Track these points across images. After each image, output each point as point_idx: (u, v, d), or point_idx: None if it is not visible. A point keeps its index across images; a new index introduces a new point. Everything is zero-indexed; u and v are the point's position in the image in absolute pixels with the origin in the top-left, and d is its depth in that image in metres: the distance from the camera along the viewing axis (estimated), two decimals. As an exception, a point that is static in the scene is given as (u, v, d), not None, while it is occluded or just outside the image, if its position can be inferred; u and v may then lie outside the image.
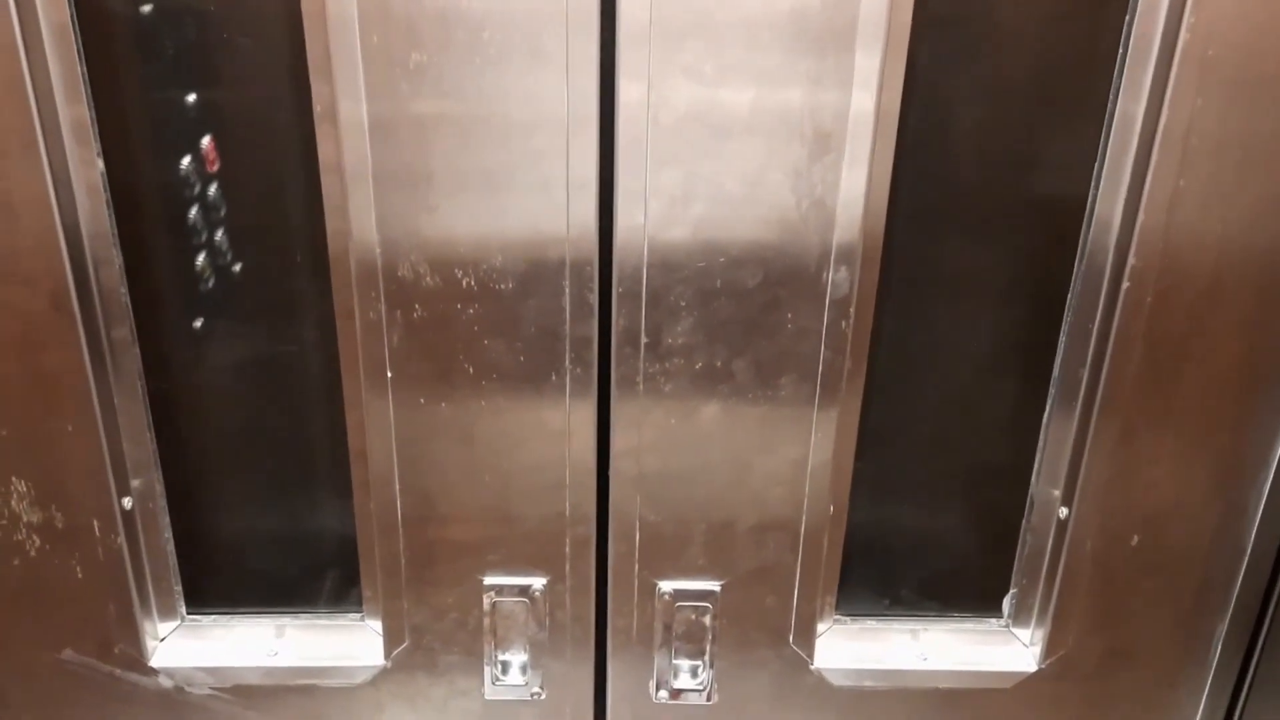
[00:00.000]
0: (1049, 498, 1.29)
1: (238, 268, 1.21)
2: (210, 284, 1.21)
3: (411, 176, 1.09)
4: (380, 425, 1.21)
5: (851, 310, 1.15)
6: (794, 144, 1.07)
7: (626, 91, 1.05)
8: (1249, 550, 1.29)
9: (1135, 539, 1.28)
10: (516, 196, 1.10)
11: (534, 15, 1.02)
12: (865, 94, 1.06)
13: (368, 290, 1.13)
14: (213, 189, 1.16)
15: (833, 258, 1.12)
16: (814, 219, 1.11)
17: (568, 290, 1.14)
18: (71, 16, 1.05)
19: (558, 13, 1.02)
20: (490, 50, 1.03)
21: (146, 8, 1.08)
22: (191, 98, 1.12)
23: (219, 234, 1.19)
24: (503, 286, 1.14)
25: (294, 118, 1.11)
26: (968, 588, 1.38)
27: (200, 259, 1.19)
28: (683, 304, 1.15)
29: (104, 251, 1.15)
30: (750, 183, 1.09)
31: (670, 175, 1.09)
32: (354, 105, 1.05)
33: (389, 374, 1.18)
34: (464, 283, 1.14)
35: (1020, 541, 1.33)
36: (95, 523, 1.23)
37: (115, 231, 1.15)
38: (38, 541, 1.24)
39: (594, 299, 1.15)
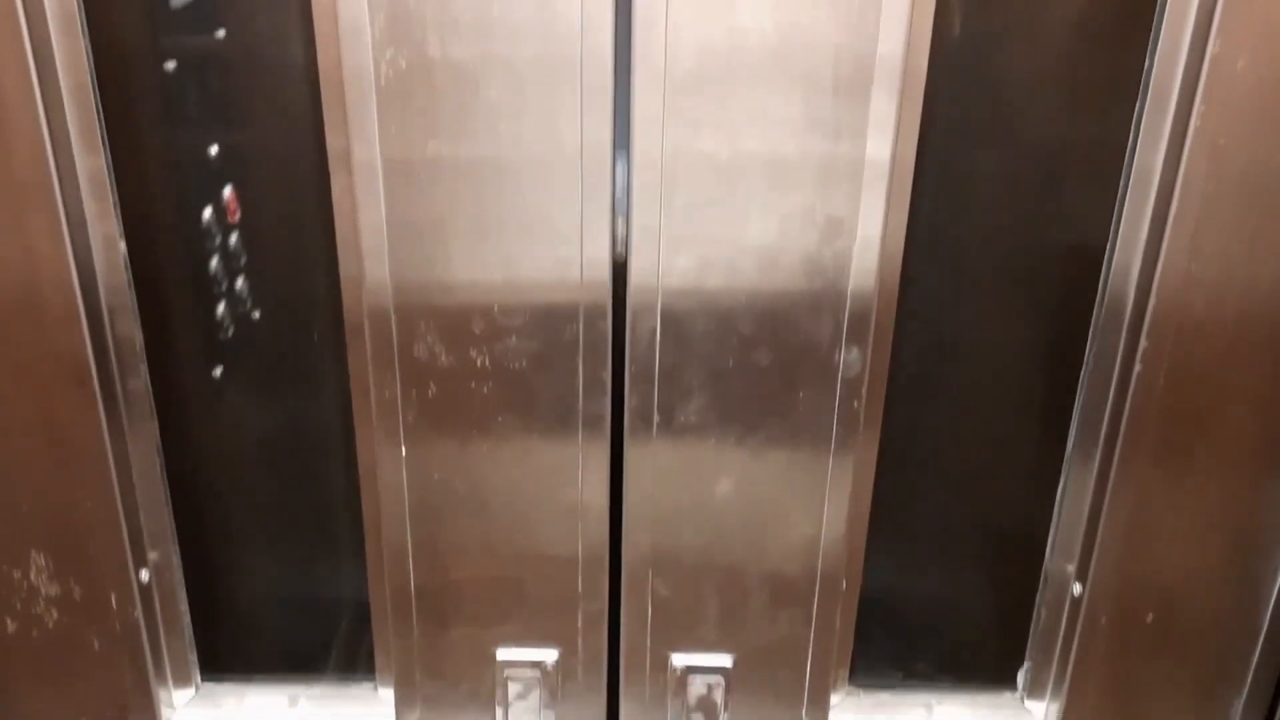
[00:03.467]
0: (1063, 572, 1.29)
1: (255, 340, 1.22)
2: (226, 358, 1.23)
3: (428, 260, 1.10)
4: (395, 499, 1.21)
5: (864, 390, 1.15)
6: (808, 229, 1.08)
7: (640, 178, 1.07)
8: (1264, 627, 1.28)
9: (1150, 615, 1.27)
10: (531, 278, 1.11)
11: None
12: (877, 177, 1.07)
13: (384, 370, 1.15)
14: (228, 268, 1.18)
15: (844, 338, 1.13)
16: (827, 300, 1.11)
17: (581, 369, 1.15)
18: (90, 74, 1.06)
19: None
20: (504, 136, 1.05)
21: (170, 65, 1.11)
22: (211, 151, 1.14)
23: (236, 309, 1.21)
24: (516, 365, 1.15)
25: (310, 176, 1.12)
26: (982, 660, 1.37)
27: (218, 328, 1.21)
28: (695, 383, 1.15)
29: (124, 327, 1.16)
30: (764, 265, 1.10)
31: (684, 259, 1.10)
32: (372, 195, 1.07)
33: (403, 450, 1.19)
34: (478, 361, 1.15)
35: (1034, 615, 1.33)
36: (112, 595, 1.24)
37: (136, 308, 1.17)
38: (55, 614, 1.25)
39: (607, 377, 1.15)
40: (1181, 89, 1.03)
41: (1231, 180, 1.06)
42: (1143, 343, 1.13)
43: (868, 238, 1.09)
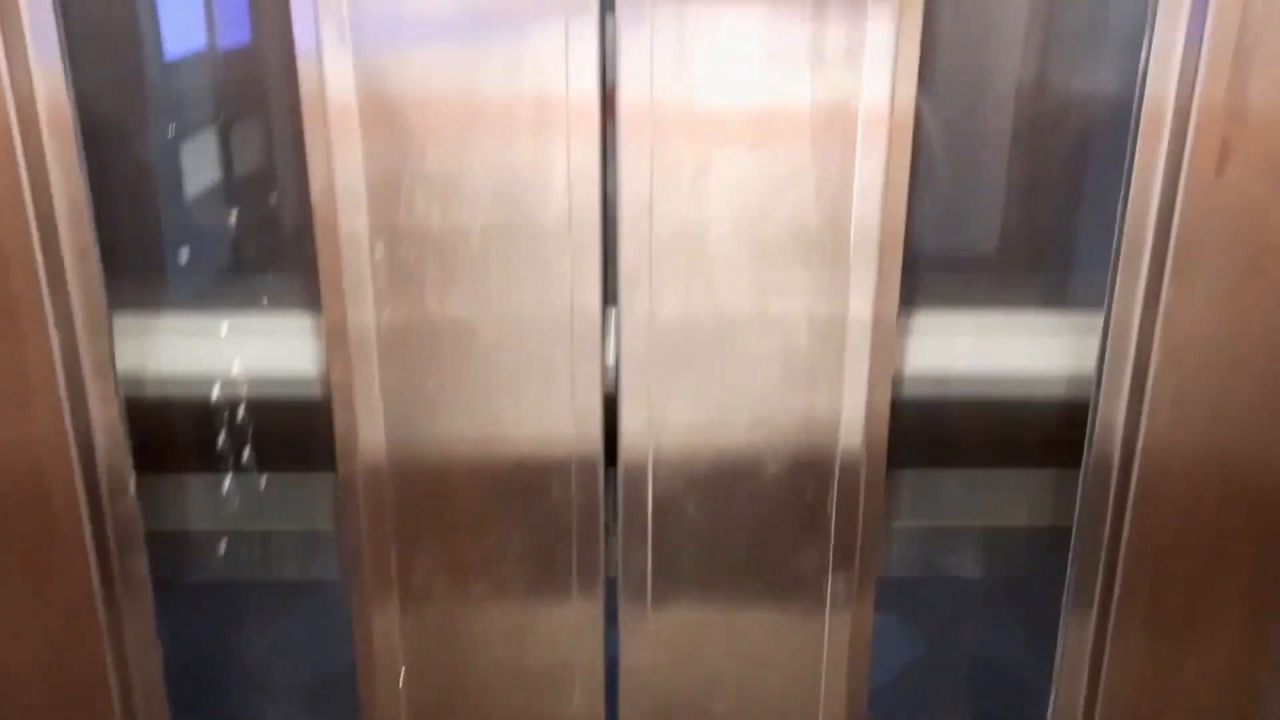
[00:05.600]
0: (1068, 721, 1.28)
1: (254, 520, 1.24)
2: (227, 534, 1.24)
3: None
4: (389, 667, 1.22)
5: (856, 560, 1.16)
6: (794, 395, 1.10)
7: (630, 387, 1.10)
8: (1271, 773, 1.27)
9: (1157, 765, 1.26)
10: (527, 484, 1.14)
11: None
12: (860, 342, 1.09)
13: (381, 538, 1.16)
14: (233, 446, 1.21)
15: (834, 504, 1.14)
16: (815, 465, 1.13)
17: (575, 549, 1.16)
18: (97, 262, 1.08)
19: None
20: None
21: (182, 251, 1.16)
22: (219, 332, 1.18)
23: (238, 487, 1.23)
24: (511, 538, 1.16)
25: (307, 351, 1.15)
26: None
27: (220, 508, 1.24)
28: (689, 559, 1.16)
29: (124, 512, 1.17)
30: (754, 435, 1.12)
31: (675, 436, 1.12)
32: (367, 365, 1.10)
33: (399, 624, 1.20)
34: (474, 529, 1.16)
35: (1041, 765, 1.32)
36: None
37: (135, 493, 1.18)
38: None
39: (600, 554, 1.17)
40: (1150, 267, 1.06)
41: (1204, 361, 1.08)
42: (1128, 514, 1.14)
43: (854, 401, 1.11)
